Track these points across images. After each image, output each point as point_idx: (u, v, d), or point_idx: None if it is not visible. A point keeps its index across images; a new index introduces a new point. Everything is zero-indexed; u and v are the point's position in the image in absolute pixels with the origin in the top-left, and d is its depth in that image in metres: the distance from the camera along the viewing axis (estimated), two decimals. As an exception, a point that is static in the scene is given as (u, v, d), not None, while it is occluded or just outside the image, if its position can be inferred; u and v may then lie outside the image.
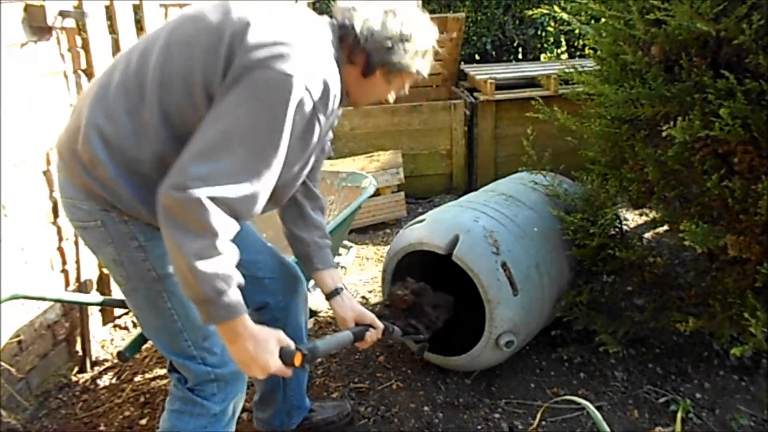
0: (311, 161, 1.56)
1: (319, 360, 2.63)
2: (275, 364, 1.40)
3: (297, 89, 1.32)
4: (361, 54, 1.50)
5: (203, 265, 1.26)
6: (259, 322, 1.83)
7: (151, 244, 1.48)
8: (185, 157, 1.30)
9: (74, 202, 1.50)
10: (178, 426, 1.64)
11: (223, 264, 1.29)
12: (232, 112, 1.31)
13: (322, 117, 1.42)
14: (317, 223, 1.82)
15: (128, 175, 1.41)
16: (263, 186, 1.34)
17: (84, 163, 1.43)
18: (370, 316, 1.78)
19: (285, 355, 1.41)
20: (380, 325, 1.77)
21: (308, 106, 1.36)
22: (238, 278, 1.33)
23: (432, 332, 1.99)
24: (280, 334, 1.44)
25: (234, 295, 1.32)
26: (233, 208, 1.30)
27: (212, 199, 1.25)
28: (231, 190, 1.28)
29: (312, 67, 1.37)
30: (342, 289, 1.81)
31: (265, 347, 1.38)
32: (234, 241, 1.35)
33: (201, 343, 1.57)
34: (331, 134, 1.74)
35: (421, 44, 1.53)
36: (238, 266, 1.39)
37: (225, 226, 1.28)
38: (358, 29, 1.48)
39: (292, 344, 1.44)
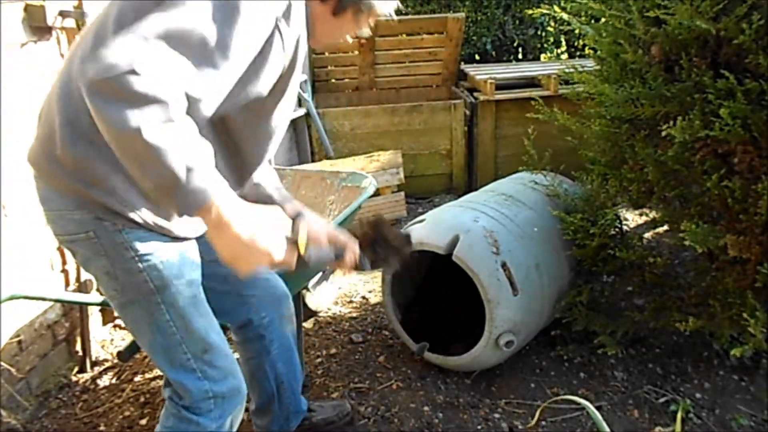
0: (284, 105, 1.43)
1: (319, 360, 2.63)
2: (280, 246, 1.20)
3: None
4: None
5: (160, 136, 1.05)
6: (245, 339, 1.80)
7: (148, 254, 1.40)
8: (112, 31, 1.12)
9: (63, 214, 1.38)
10: None
11: (184, 133, 1.09)
12: None
13: (285, 31, 1.28)
14: (272, 170, 1.73)
15: (117, 165, 1.24)
16: (207, 72, 1.15)
17: (68, 169, 1.32)
18: (343, 239, 1.61)
19: (288, 240, 1.22)
20: (354, 247, 1.59)
21: (269, 13, 1.24)
22: (207, 153, 1.14)
23: (401, 262, 1.85)
24: (278, 210, 1.28)
25: (209, 171, 1.11)
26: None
27: (147, 67, 1.05)
28: (167, 65, 1.08)
29: None
30: (304, 212, 1.63)
31: (265, 224, 1.17)
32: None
33: (201, 355, 1.50)
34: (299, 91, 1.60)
35: None
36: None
37: (171, 92, 1.07)
38: None
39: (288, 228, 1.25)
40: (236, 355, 1.92)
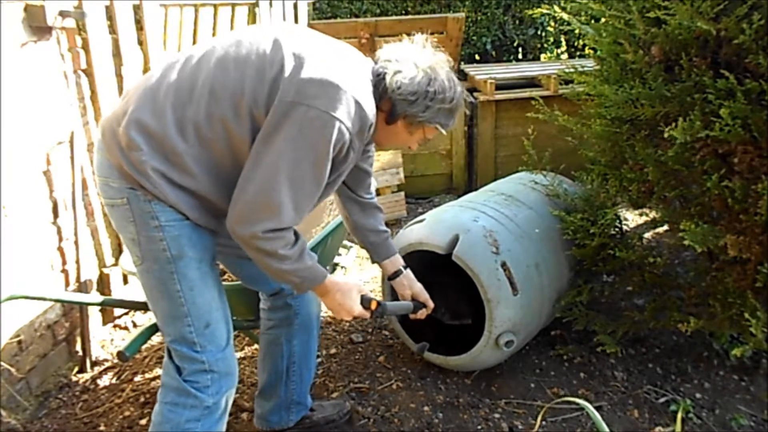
0: (340, 180, 1.72)
1: (319, 360, 2.63)
2: (358, 309, 1.75)
3: (338, 129, 1.50)
4: (387, 102, 1.64)
5: (289, 271, 1.61)
6: (273, 307, 1.99)
7: (170, 225, 1.58)
8: (243, 195, 1.52)
9: (107, 180, 1.60)
10: (171, 418, 1.66)
11: (295, 262, 1.59)
12: (280, 147, 1.49)
13: (356, 147, 1.60)
14: (369, 226, 2.04)
15: (161, 161, 1.53)
16: (305, 208, 1.58)
17: (121, 145, 1.55)
18: (424, 296, 2.07)
19: (364, 301, 1.78)
20: (431, 304, 2.07)
21: (346, 141, 1.54)
22: (312, 260, 1.64)
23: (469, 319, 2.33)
24: (359, 285, 1.78)
25: (314, 272, 1.65)
26: (284, 228, 1.56)
27: (267, 231, 1.52)
28: (278, 221, 1.52)
29: (353, 108, 1.52)
30: (401, 270, 2.07)
31: (349, 296, 1.74)
32: None
33: (203, 330, 1.65)
34: (371, 152, 1.95)
35: (445, 104, 1.65)
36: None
37: (282, 244, 1.56)
38: (388, 80, 1.61)
39: (369, 294, 1.80)
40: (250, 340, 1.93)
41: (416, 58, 1.63)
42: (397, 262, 2.08)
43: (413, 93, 1.60)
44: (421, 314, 2.07)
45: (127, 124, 1.53)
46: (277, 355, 2.05)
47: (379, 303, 1.82)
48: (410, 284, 2.07)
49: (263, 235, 1.52)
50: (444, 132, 1.73)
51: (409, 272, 2.09)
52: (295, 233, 1.60)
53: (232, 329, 1.74)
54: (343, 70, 1.55)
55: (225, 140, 1.54)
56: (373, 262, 2.11)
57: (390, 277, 2.08)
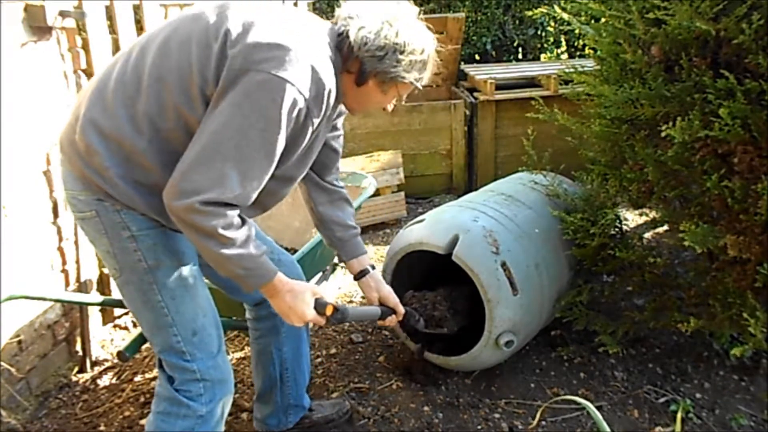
0: (307, 160, 1.61)
1: (319, 360, 2.64)
2: (310, 313, 1.58)
3: (290, 92, 1.37)
4: (355, 62, 1.52)
5: (231, 259, 1.43)
6: (258, 317, 1.91)
7: (143, 234, 1.52)
8: (182, 165, 1.38)
9: (74, 194, 1.53)
10: (163, 428, 1.62)
11: (238, 248, 1.43)
12: (225, 113, 1.37)
13: (315, 119, 1.47)
14: (337, 219, 1.90)
15: (122, 164, 1.46)
16: (254, 182, 1.42)
17: (81, 153, 1.48)
18: (393, 301, 1.92)
19: (319, 305, 1.60)
20: (401, 310, 1.94)
21: (301, 109, 1.41)
22: (259, 251, 1.48)
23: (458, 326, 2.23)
24: (314, 287, 1.61)
25: (262, 266, 1.49)
26: (227, 205, 1.40)
27: (205, 203, 1.36)
28: (220, 192, 1.37)
29: (306, 71, 1.41)
30: (368, 270, 1.92)
31: (301, 299, 1.56)
32: None
33: (190, 338, 1.59)
34: (340, 130, 1.81)
35: (416, 55, 1.52)
36: None
37: (222, 222, 1.39)
38: (352, 38, 1.49)
39: (326, 297, 1.62)
40: (240, 344, 1.92)
41: (379, 10, 1.50)
42: (364, 261, 1.94)
43: (381, 48, 1.48)
44: (390, 321, 1.92)
45: (81, 128, 1.46)
46: (269, 363, 2.00)
47: (336, 308, 1.64)
48: (377, 286, 1.93)
49: (201, 207, 1.36)
50: (420, 87, 1.60)
51: (376, 273, 1.94)
52: (243, 218, 1.47)
53: (222, 334, 1.69)
54: (295, 33, 1.43)
55: (183, 129, 1.43)
56: (340, 260, 1.97)
57: (355, 277, 1.94)
